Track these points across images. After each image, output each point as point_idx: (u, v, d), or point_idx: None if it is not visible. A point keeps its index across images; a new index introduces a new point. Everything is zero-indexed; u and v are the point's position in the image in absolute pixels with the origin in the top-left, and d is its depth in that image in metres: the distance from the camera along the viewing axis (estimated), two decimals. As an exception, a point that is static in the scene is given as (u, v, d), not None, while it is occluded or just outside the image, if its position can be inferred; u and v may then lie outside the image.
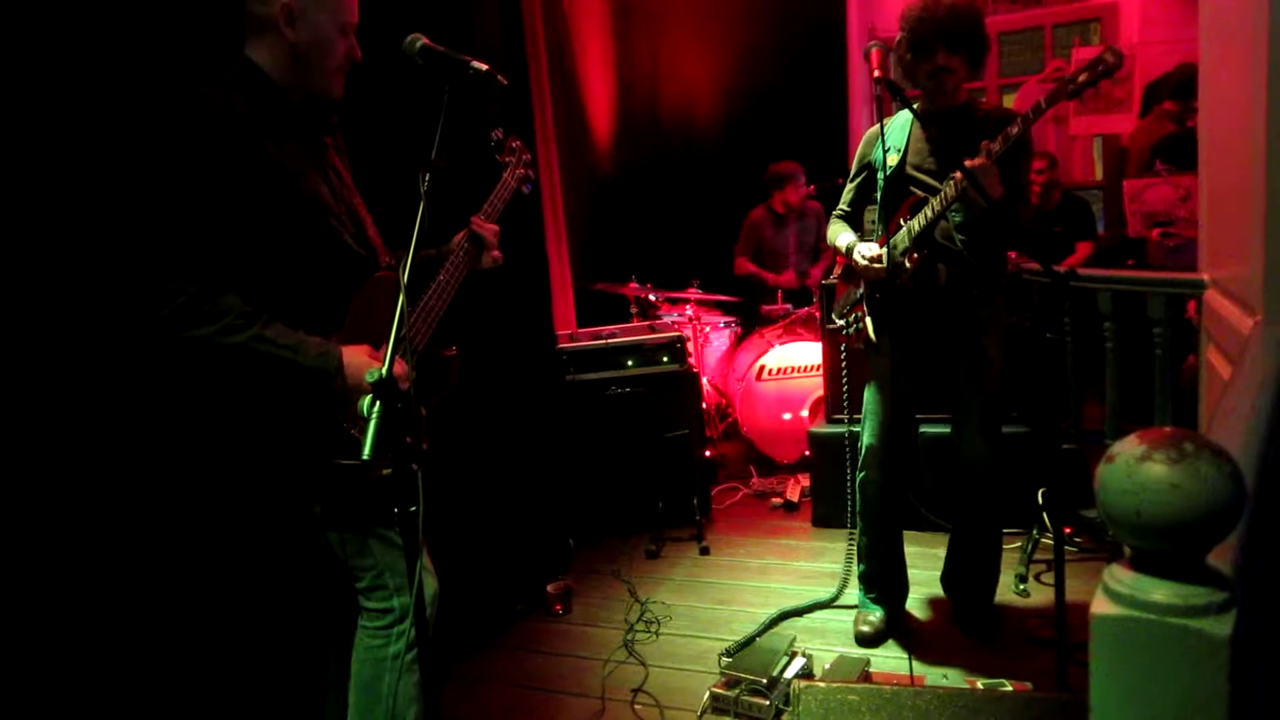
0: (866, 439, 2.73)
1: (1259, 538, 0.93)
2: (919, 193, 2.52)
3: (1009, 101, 5.84)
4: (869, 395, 2.74)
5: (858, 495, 2.80)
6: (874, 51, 2.23)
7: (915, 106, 2.49)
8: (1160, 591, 0.71)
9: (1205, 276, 2.58)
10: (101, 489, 1.83)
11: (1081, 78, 2.12)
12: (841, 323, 2.82)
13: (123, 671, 1.85)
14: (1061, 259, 4.71)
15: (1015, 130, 2.25)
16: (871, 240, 2.62)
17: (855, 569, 2.99)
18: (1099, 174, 5.79)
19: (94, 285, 1.81)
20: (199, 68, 1.72)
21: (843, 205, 2.82)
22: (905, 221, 2.50)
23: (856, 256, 2.58)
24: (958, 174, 2.31)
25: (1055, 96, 2.19)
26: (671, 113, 5.88)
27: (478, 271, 2.00)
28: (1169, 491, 0.70)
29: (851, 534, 3.35)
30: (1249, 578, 0.81)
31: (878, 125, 2.60)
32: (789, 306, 4.81)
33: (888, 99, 2.25)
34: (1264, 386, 1.34)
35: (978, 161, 2.27)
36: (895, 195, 2.56)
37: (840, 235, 2.72)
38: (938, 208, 2.39)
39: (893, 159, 2.57)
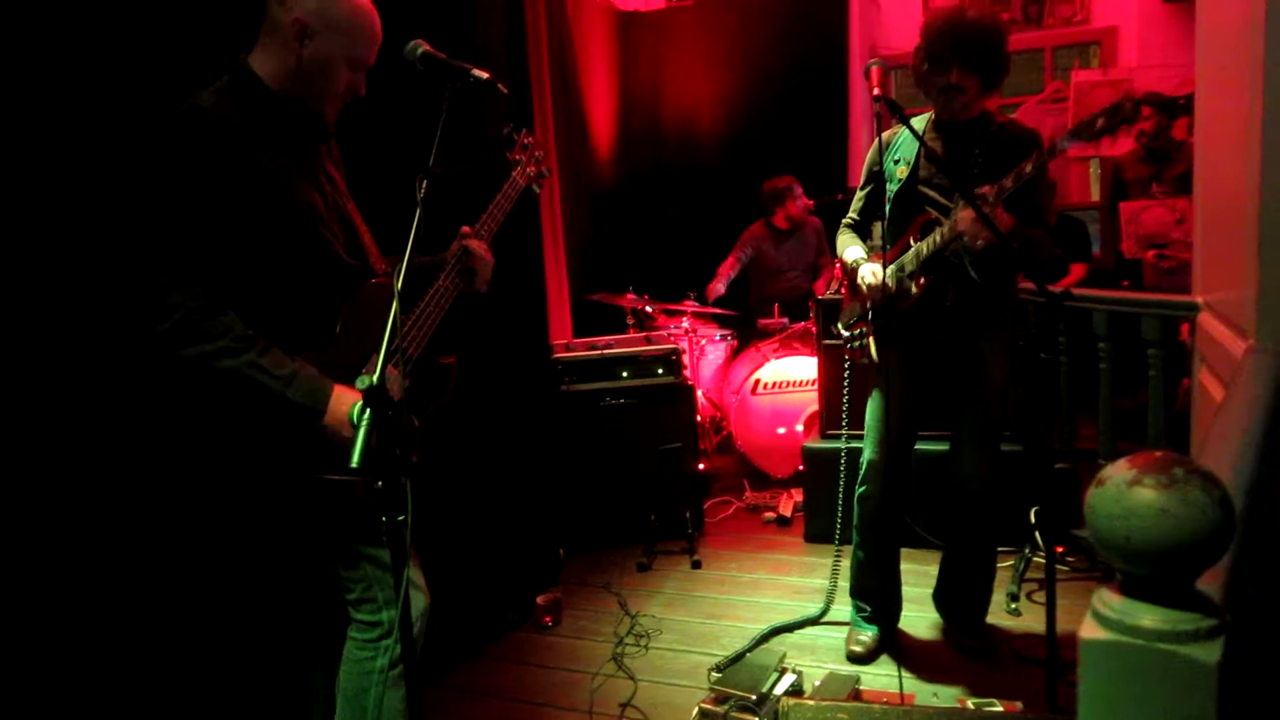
0: (868, 454, 2.72)
1: (1249, 563, 0.93)
2: (930, 210, 2.49)
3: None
4: (871, 411, 2.73)
5: (856, 510, 2.78)
6: (874, 69, 2.23)
7: (930, 118, 2.50)
8: (1149, 617, 0.70)
9: (1199, 299, 2.59)
10: (88, 500, 1.82)
11: (1099, 124, 2.08)
12: (846, 334, 2.80)
13: (112, 682, 1.84)
14: (1056, 280, 4.72)
15: (1010, 184, 2.22)
16: (877, 255, 2.61)
17: (842, 584, 2.97)
18: (1094, 195, 5.82)
19: (88, 298, 1.80)
20: (193, 74, 1.71)
21: (852, 214, 2.78)
22: (915, 242, 2.48)
23: (859, 280, 2.58)
24: (957, 218, 2.31)
25: (1072, 138, 2.15)
26: (672, 125, 5.89)
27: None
28: (1158, 517, 0.70)
29: (838, 550, 3.34)
30: (1239, 603, 0.81)
31: (889, 132, 2.58)
32: (785, 320, 4.82)
33: (887, 117, 2.26)
34: (1255, 410, 1.34)
35: (964, 215, 2.26)
36: (905, 209, 2.54)
37: (848, 249, 2.70)
38: (938, 241, 2.38)
39: (903, 171, 2.54)
